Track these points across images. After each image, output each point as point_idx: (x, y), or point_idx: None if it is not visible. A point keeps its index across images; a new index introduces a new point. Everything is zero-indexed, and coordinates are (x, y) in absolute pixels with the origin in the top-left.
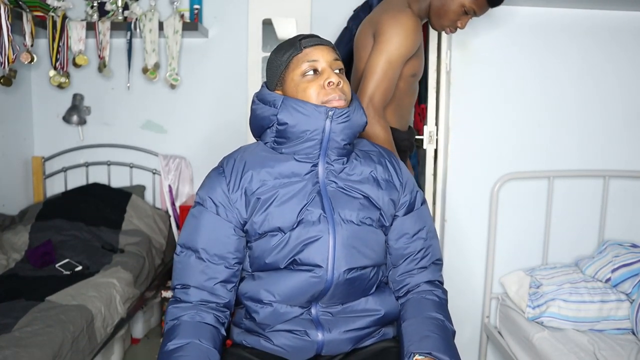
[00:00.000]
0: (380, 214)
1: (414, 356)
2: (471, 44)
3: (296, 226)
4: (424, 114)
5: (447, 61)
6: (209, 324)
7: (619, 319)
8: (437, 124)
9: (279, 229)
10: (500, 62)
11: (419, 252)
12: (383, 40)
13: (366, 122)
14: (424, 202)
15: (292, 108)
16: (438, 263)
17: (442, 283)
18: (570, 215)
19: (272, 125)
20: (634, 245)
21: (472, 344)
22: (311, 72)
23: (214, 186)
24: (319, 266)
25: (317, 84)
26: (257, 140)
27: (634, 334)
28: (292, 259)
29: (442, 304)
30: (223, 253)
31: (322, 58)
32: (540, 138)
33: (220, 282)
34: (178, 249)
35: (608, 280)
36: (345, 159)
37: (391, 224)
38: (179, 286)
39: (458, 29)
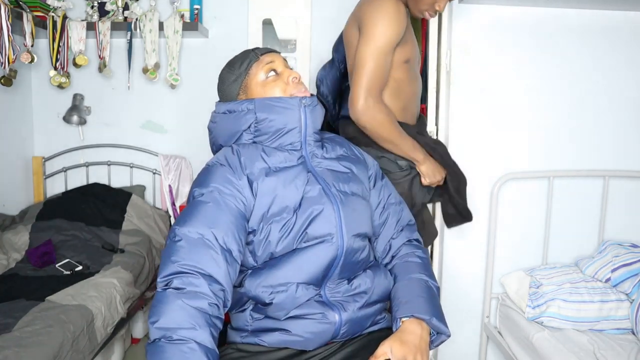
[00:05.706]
0: (363, 185)
1: (400, 321)
2: (471, 44)
3: (300, 205)
4: (424, 114)
5: (447, 61)
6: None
7: (619, 319)
8: (437, 124)
9: (286, 209)
10: (500, 62)
11: (393, 217)
12: (368, 29)
13: (325, 112)
14: (383, 172)
15: (269, 105)
16: (411, 224)
17: (419, 242)
18: (570, 215)
19: (250, 126)
20: (634, 245)
21: (472, 344)
22: (272, 73)
23: (222, 175)
24: (330, 234)
25: (282, 81)
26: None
27: (633, 333)
28: (304, 232)
29: (424, 264)
30: (232, 243)
31: (278, 60)
32: (540, 138)
33: (229, 275)
34: (180, 232)
35: (608, 280)
36: (320, 143)
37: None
38: (187, 268)
39: (437, 12)
